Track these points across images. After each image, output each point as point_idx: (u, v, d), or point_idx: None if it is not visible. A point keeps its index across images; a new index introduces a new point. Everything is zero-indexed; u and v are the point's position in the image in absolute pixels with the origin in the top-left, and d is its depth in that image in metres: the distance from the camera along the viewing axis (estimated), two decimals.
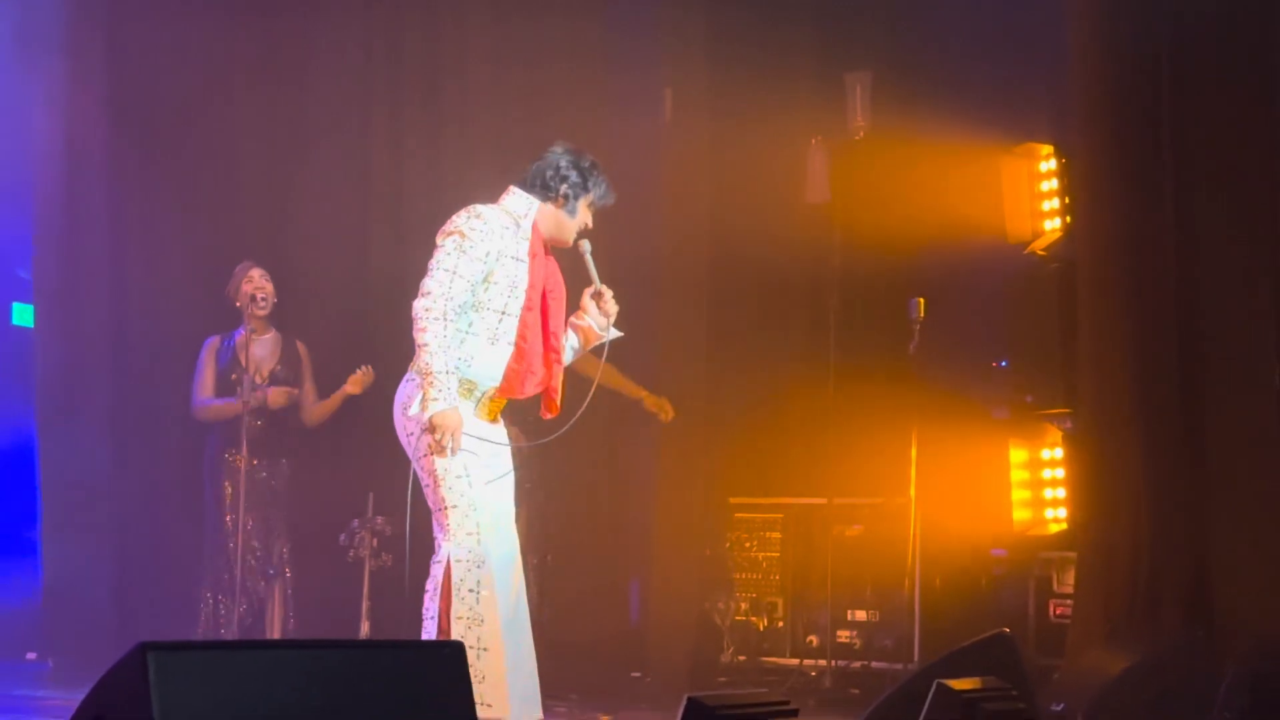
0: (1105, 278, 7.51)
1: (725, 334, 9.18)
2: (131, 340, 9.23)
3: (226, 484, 8.26)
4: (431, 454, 5.77)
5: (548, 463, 8.31)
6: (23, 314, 9.98)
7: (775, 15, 9.11)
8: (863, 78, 9.02)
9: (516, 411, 7.94)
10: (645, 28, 9.21)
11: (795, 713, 4.45)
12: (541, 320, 5.96)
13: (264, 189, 9.43)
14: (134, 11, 9.34)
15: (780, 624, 8.76)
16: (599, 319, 6.11)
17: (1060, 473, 8.28)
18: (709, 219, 9.14)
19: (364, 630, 7.86)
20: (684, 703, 4.11)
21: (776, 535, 8.89)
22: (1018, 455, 8.56)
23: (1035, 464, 8.45)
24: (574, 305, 6.19)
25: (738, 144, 9.09)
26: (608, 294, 6.08)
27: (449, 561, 5.78)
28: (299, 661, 3.50)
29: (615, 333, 6.19)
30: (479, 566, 5.78)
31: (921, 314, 7.92)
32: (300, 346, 8.52)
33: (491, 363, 5.86)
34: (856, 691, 8.05)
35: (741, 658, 8.79)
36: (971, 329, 8.75)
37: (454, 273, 5.77)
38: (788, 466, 8.99)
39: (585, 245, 6.09)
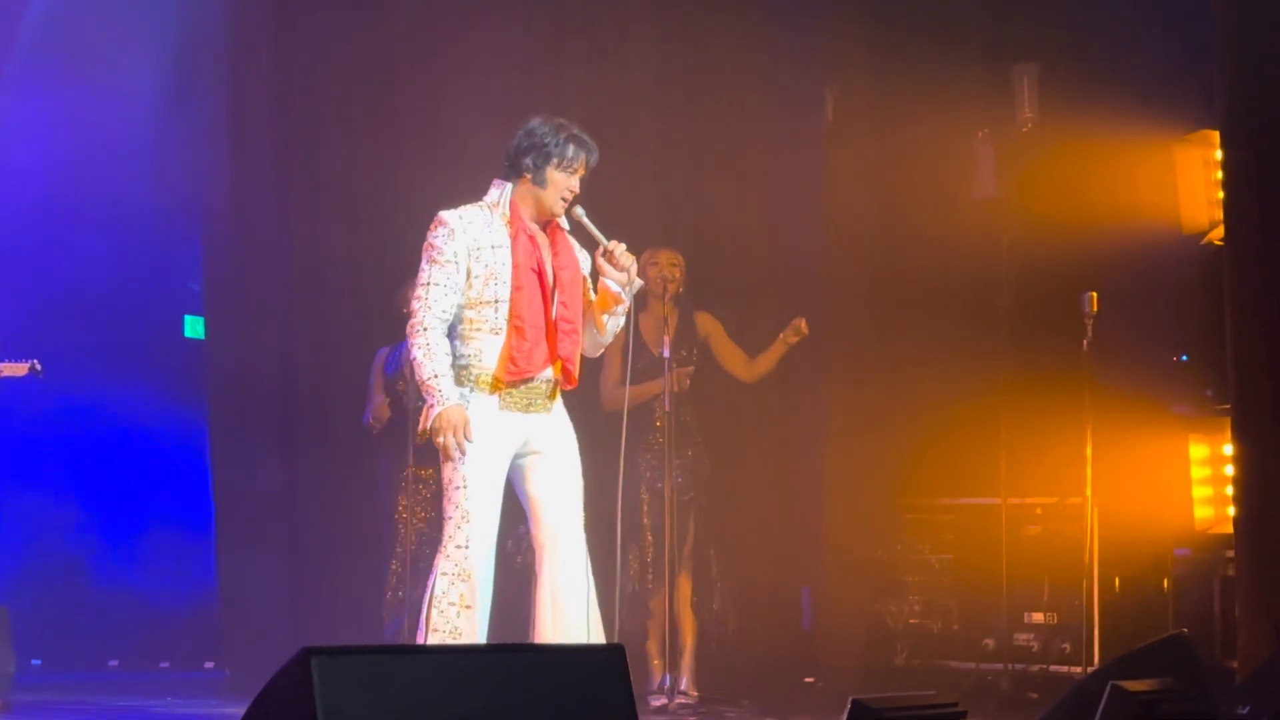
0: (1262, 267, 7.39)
1: (892, 332, 9.14)
2: (301, 350, 9.38)
3: (401, 500, 8.37)
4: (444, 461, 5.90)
5: (717, 467, 8.34)
6: (195, 326, 10.22)
7: (938, 7, 9.08)
8: (1030, 69, 8.94)
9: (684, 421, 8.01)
10: (806, 23, 9.21)
11: (964, 714, 4.44)
12: (541, 297, 6.01)
13: (431, 196, 9.53)
14: (296, 22, 9.50)
15: (955, 627, 8.71)
16: (617, 276, 6.07)
17: None
18: (874, 216, 9.11)
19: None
20: (849, 705, 4.12)
21: (949, 536, 8.84)
22: (1198, 451, 8.42)
23: (1217, 460, 8.31)
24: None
25: (902, 140, 9.06)
26: (618, 249, 6.04)
27: (436, 573, 5.88)
28: (461, 666, 3.56)
29: (639, 283, 6.19)
30: (464, 581, 5.85)
31: (1094, 308, 7.84)
32: None
33: (499, 352, 5.96)
34: (1035, 695, 7.99)
35: (915, 661, 8.76)
36: (1147, 323, 8.63)
37: (428, 284, 5.97)
38: (960, 466, 8.92)
39: (578, 211, 6.12)
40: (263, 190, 9.46)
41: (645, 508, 8.14)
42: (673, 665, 7.96)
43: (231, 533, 9.37)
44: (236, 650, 9.29)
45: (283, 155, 9.50)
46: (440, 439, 5.83)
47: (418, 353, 5.90)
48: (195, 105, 9.55)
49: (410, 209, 9.28)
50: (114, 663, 9.98)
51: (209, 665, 9.94)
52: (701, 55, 9.20)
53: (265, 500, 9.28)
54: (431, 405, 5.86)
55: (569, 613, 5.93)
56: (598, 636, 5.95)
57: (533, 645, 5.49)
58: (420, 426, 5.97)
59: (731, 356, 8.37)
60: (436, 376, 5.86)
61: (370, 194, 9.50)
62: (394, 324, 8.55)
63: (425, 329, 5.91)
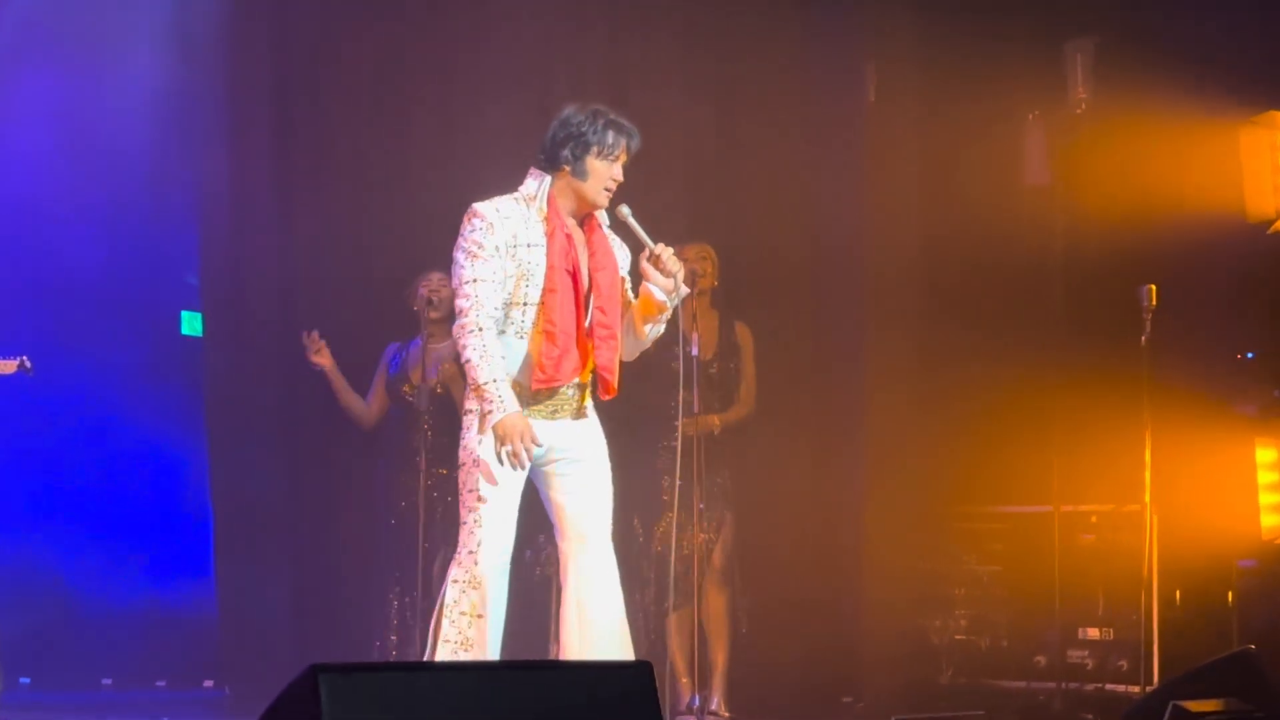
0: None
1: (937, 328, 9.11)
2: (303, 348, 9.37)
3: (403, 504, 8.35)
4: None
5: (748, 472, 8.32)
6: (192, 323, 10.21)
7: None
8: (1084, 46, 8.91)
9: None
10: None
11: None
12: (575, 301, 5.97)
13: (442, 188, 9.55)
14: (299, 9, 9.50)
15: (1004, 643, 8.68)
16: (663, 282, 6.00)
17: None
18: (918, 204, 9.09)
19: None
20: None
21: (998, 546, 8.81)
22: (1265, 455, 8.41)
23: None
24: None
25: (948, 123, 9.04)
26: (665, 253, 5.97)
27: (448, 581, 5.88)
28: (476, 684, 3.55)
29: (685, 290, 6.17)
30: (475, 589, 5.84)
31: (1153, 302, 7.80)
32: None
33: (525, 357, 5.94)
34: (1089, 716, 7.97)
35: (961, 680, 8.73)
36: (1209, 318, 8.60)
37: (475, 280, 5.87)
38: (1009, 471, 8.90)
39: (624, 210, 6.06)
40: (262, 179, 9.45)
41: (672, 516, 8.13)
42: (703, 684, 7.95)
43: (231, 542, 9.35)
44: (237, 667, 9.28)
45: (283, 143, 9.49)
46: (504, 448, 5.75)
47: (472, 355, 5.81)
48: (192, 94, 9.55)
49: (416, 202, 9.34)
50: (107, 681, 9.96)
51: (208, 684, 9.92)
52: (732, 30, 9.18)
53: (266, 508, 9.26)
54: (490, 412, 5.77)
55: (598, 628, 5.90)
56: (628, 653, 5.94)
57: (552, 662, 5.48)
58: (478, 430, 5.92)
59: (745, 379, 8.38)
60: (495, 382, 5.77)
61: (374, 186, 9.50)
62: (400, 321, 8.57)
63: (479, 329, 5.82)
